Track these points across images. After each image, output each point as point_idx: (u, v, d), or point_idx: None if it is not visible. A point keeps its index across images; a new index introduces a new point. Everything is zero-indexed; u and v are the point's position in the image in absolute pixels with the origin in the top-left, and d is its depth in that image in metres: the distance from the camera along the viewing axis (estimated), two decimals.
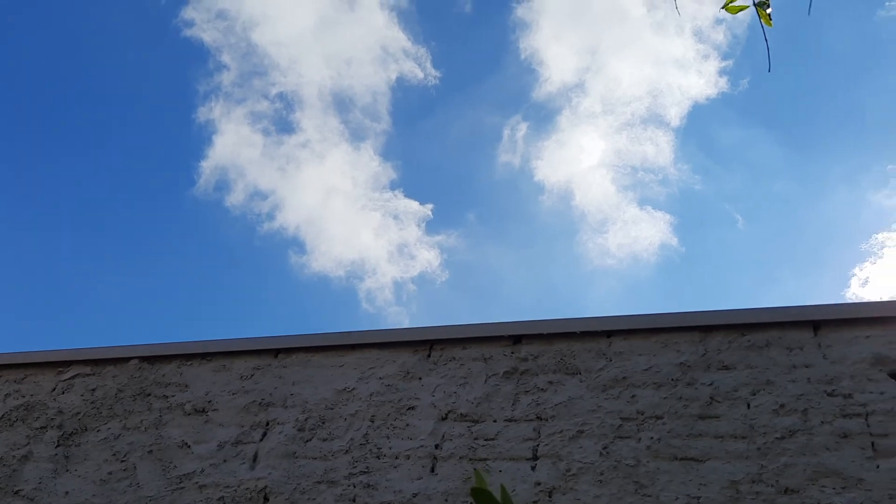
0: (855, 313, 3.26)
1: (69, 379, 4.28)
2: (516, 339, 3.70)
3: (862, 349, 3.18)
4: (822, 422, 3.04)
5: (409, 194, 14.78)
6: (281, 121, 14.68)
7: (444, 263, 14.51)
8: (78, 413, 4.09)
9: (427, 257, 14.46)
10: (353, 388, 3.74)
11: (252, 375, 3.96)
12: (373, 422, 3.59)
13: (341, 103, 14.88)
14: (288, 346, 4.00)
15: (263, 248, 15.20)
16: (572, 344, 3.61)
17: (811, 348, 3.27)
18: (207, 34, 13.93)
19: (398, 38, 14.28)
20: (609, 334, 3.60)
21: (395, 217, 14.51)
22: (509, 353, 3.67)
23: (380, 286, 14.81)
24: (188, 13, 13.82)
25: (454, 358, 3.72)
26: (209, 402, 3.92)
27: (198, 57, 14.42)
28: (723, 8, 1.89)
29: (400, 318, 14.83)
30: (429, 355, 3.77)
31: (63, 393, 4.22)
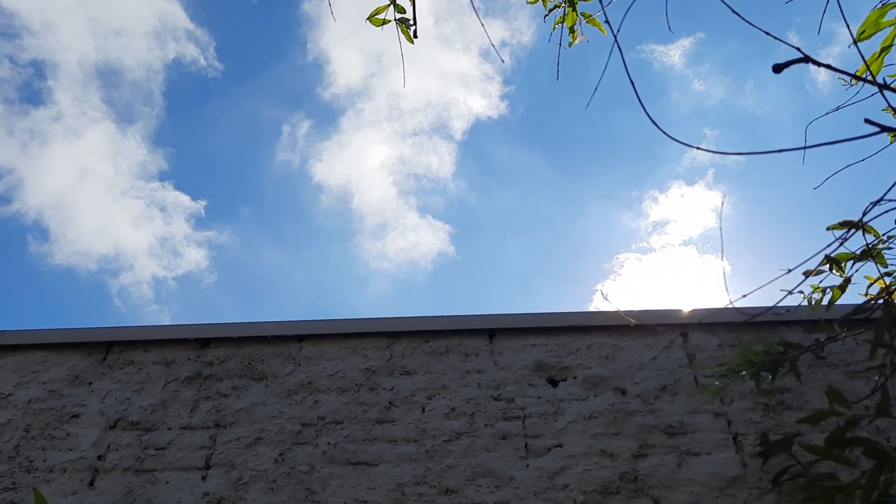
0: (523, 323, 3.52)
1: None
2: (204, 343, 3.52)
3: (527, 356, 3.44)
4: (486, 424, 3.24)
5: (180, 187, 13.70)
6: (28, 89, 12.86)
7: (214, 261, 13.67)
8: None
9: (195, 256, 13.53)
10: (10, 395, 3.32)
11: None
12: (28, 432, 3.21)
13: (106, 77, 13.40)
14: None
15: None
16: (262, 348, 3.51)
17: (485, 355, 3.48)
18: None
19: (178, 15, 13.21)
20: (301, 339, 3.55)
21: (162, 209, 13.38)
22: (195, 356, 3.48)
23: (136, 282, 13.55)
24: None
25: (132, 361, 3.45)
26: None
27: None
28: (367, 20, 1.91)
29: (160, 317, 13.72)
30: (104, 358, 3.46)
31: None
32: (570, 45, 1.95)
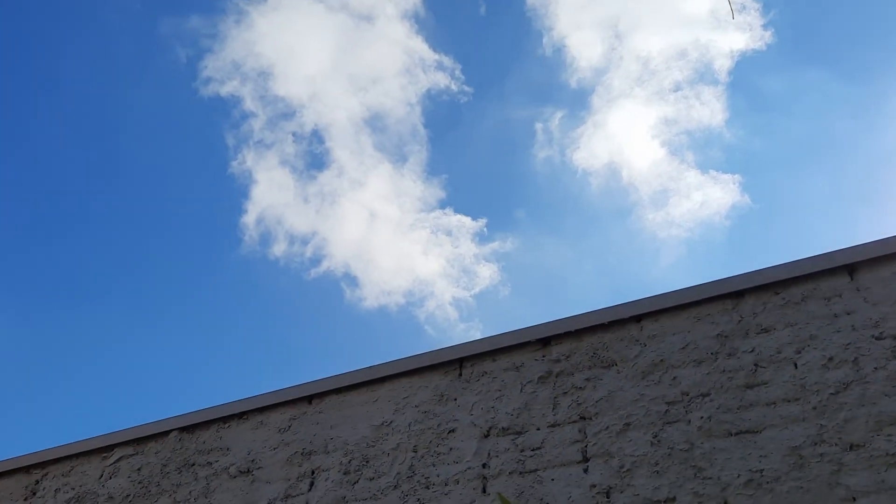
0: (889, 249, 3.10)
1: (114, 463, 4.27)
2: (545, 342, 3.59)
3: None
4: (876, 368, 2.88)
5: (460, 210, 14.57)
6: (311, 156, 14.60)
7: (504, 271, 14.25)
8: (128, 496, 4.07)
9: (487, 272, 14.25)
10: (391, 421, 3.67)
11: (290, 426, 3.91)
12: (416, 452, 3.50)
13: (373, 124, 14.75)
14: (320, 390, 3.95)
15: (315, 292, 15.09)
16: (603, 336, 3.49)
17: (850, 294, 3.12)
18: (227, 87, 14.01)
19: (421, 48, 14.15)
20: (639, 319, 3.47)
21: (449, 234, 14.34)
22: (540, 356, 3.56)
23: (440, 305, 14.63)
24: (205, 72, 13.89)
25: (486, 372, 3.62)
26: (252, 461, 3.87)
27: (222, 111, 14.51)
28: None
29: (471, 334, 14.64)
30: (460, 374, 3.68)
31: (111, 478, 4.21)
32: None
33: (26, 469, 4.46)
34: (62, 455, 4.43)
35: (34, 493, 4.36)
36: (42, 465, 4.45)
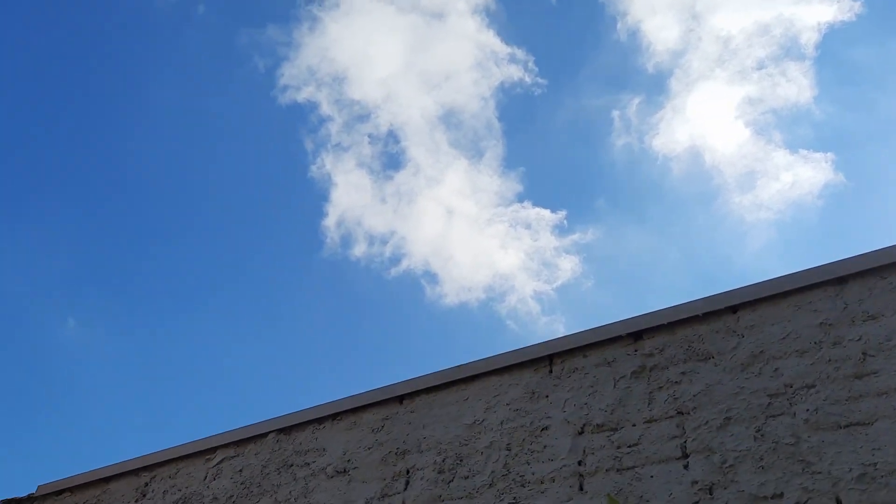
0: None
1: (217, 464, 4.43)
2: (637, 336, 3.53)
3: None
4: None
5: (538, 203, 14.51)
6: (387, 156, 14.81)
7: (586, 263, 14.09)
8: (231, 496, 4.22)
9: (568, 265, 14.14)
10: (483, 420, 3.67)
11: (383, 426, 3.97)
12: (510, 450, 3.49)
13: (447, 121, 14.84)
14: (410, 389, 3.99)
15: (396, 291, 15.30)
16: (697, 328, 3.40)
17: None
18: (304, 93, 14.34)
19: (493, 42, 14.16)
20: (735, 309, 3.37)
21: (528, 227, 14.28)
22: (633, 351, 3.50)
23: (521, 299, 14.59)
24: (282, 80, 14.26)
25: (577, 368, 3.58)
26: (348, 461, 3.95)
27: (300, 117, 14.89)
28: None
29: (555, 328, 14.55)
30: (550, 371, 3.65)
31: (214, 479, 4.37)
32: None
33: (136, 472, 4.69)
34: (168, 458, 4.63)
35: (144, 495, 4.57)
36: (150, 467, 4.66)
